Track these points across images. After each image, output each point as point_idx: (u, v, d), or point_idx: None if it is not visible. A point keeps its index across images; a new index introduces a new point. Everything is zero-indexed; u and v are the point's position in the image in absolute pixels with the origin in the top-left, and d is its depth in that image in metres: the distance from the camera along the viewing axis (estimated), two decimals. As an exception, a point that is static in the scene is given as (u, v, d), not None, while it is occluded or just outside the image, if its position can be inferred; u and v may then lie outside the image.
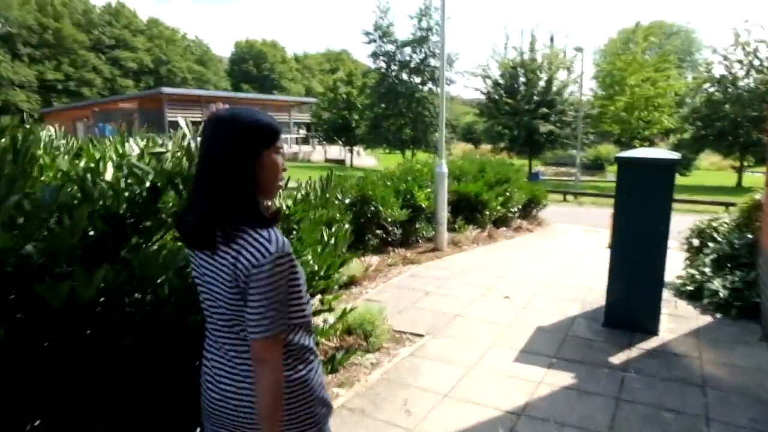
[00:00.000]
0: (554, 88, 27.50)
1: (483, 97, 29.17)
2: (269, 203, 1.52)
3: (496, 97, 27.82)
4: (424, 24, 30.61)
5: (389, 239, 7.70)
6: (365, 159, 42.47)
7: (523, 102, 26.46)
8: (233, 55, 71.70)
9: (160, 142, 2.16)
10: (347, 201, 6.74)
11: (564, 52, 27.66)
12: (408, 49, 31.92)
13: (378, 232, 7.51)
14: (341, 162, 39.76)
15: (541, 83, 27.56)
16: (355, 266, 5.74)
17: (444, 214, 7.78)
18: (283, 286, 1.33)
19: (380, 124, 32.32)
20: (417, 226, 8.09)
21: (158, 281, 1.84)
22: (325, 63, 79.02)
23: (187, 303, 1.86)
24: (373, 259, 6.25)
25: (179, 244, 1.93)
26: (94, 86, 47.17)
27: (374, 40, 31.55)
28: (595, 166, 42.26)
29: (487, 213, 9.59)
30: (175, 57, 57.24)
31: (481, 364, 4.02)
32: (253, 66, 68.48)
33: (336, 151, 42.22)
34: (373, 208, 7.01)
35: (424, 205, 7.89)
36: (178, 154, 2.04)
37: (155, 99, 31.77)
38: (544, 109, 26.15)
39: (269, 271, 1.29)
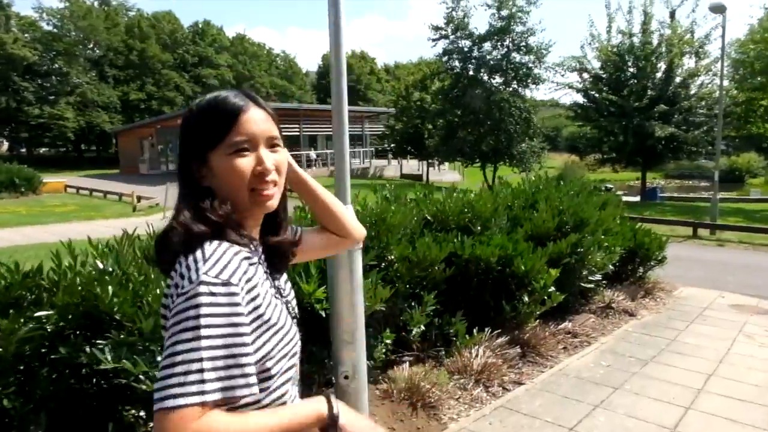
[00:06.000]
0: (677, 79, 20.78)
1: (579, 96, 23.13)
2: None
3: (596, 94, 21.66)
4: (504, 12, 25.34)
5: None
6: (447, 174, 37.55)
7: (632, 99, 20.11)
8: (320, 68, 70.29)
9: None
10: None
11: (692, 30, 20.80)
12: (487, 45, 26.76)
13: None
14: (418, 177, 35.33)
15: (659, 74, 21.01)
16: None
17: (357, 351, 2.91)
18: (219, 327, 0.82)
19: (453, 134, 27.35)
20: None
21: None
22: (418, 72, 75.46)
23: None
24: None
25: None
26: (175, 105, 46.86)
27: (445, 36, 26.75)
28: (731, 179, 33.74)
29: (526, 300, 4.56)
30: (259, 72, 56.29)
31: None
32: (339, 79, 66.38)
33: (414, 165, 37.79)
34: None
35: (324, 313, 3.12)
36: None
37: (210, 113, 29.44)
38: (663, 107, 19.60)
39: (190, 301, 0.82)
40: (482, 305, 4.67)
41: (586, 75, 22.30)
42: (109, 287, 2.43)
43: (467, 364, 3.93)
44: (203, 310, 0.81)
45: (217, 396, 0.80)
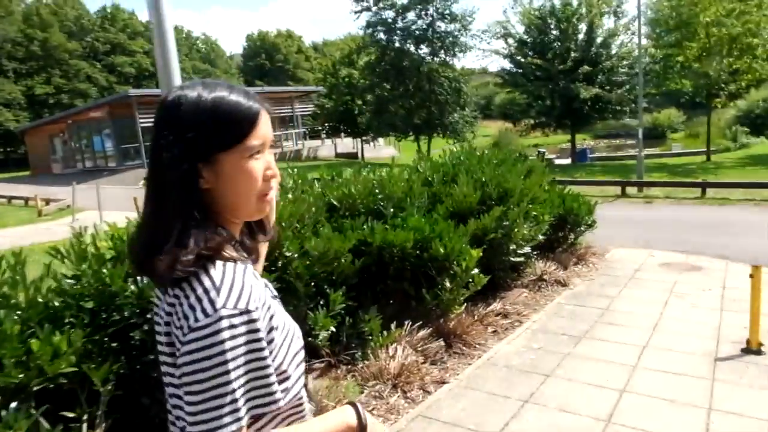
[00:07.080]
0: (598, 40, 21.00)
1: (506, 62, 23.04)
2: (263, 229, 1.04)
3: (521, 59, 21.61)
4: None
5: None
6: (384, 150, 36.98)
7: (556, 62, 20.18)
8: (245, 50, 67.63)
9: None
10: None
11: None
12: (411, 15, 26.19)
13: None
14: (354, 156, 34.65)
15: (581, 35, 21.16)
16: None
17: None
18: (243, 356, 0.82)
19: (384, 108, 26.79)
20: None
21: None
22: (346, 48, 74.09)
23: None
24: None
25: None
26: (89, 96, 43.43)
27: (368, 8, 25.96)
28: (653, 135, 35.07)
29: (448, 286, 4.11)
30: (180, 57, 53.29)
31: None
32: (266, 59, 64.17)
33: (349, 143, 36.98)
34: None
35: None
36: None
37: (125, 104, 27.45)
38: (586, 68, 19.78)
39: (212, 338, 0.79)
40: (402, 296, 4.20)
41: (511, 40, 22.19)
42: None
43: (383, 367, 3.45)
44: (227, 345, 0.79)
45: (248, 418, 0.82)
